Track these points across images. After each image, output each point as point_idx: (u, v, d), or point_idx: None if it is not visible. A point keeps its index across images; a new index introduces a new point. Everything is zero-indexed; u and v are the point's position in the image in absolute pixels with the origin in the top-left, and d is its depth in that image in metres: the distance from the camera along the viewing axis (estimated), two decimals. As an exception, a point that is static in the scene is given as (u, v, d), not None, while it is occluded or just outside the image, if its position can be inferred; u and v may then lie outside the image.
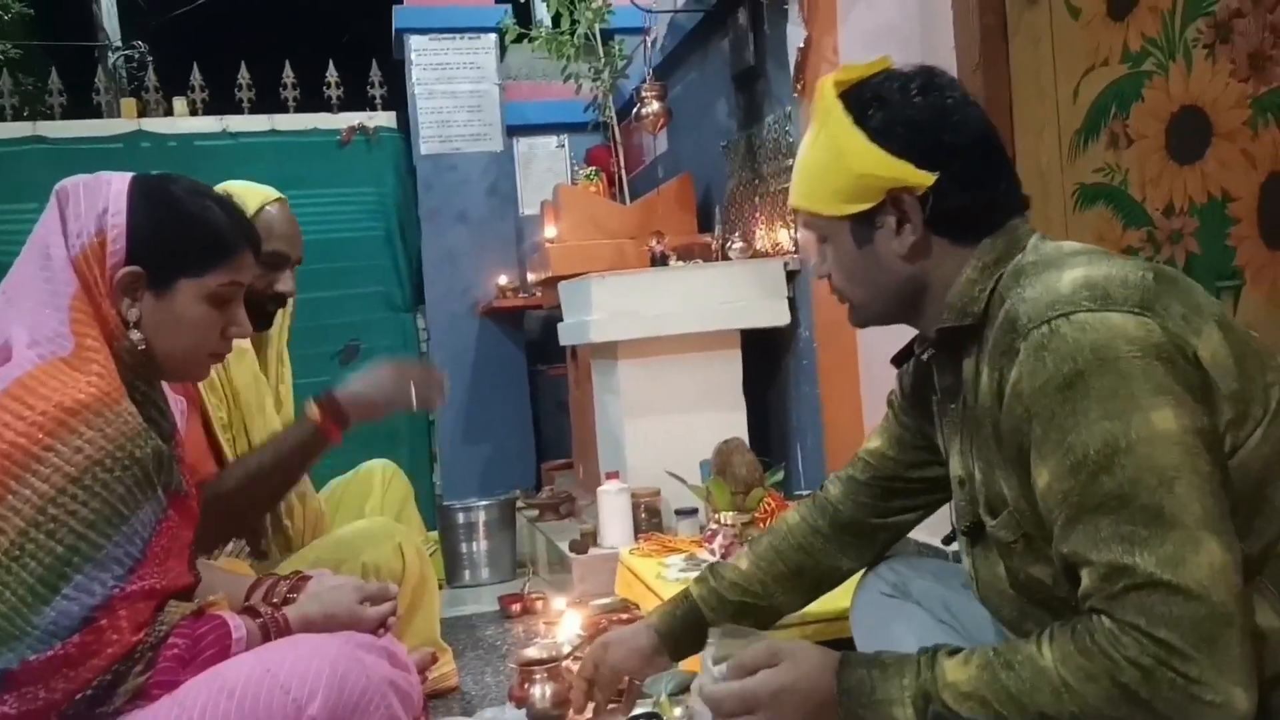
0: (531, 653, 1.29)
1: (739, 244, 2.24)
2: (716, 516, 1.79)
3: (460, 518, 2.29)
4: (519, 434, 3.23)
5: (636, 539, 1.95)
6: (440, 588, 1.76)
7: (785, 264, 2.12)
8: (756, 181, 2.30)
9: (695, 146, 2.71)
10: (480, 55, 3.26)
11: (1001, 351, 0.66)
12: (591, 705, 0.96)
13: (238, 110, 3.15)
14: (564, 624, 1.63)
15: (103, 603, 0.72)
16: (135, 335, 0.82)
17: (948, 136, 0.71)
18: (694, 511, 1.92)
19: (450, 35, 3.24)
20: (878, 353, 1.81)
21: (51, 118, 3.08)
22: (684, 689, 1.35)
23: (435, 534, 2.27)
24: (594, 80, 2.69)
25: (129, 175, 0.85)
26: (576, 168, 3.35)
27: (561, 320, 2.36)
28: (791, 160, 2.09)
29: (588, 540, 2.01)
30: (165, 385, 0.89)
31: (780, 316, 2.10)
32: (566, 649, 1.30)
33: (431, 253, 3.23)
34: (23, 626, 0.70)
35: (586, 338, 2.13)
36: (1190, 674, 0.57)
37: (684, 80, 2.78)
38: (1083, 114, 1.33)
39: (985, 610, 0.88)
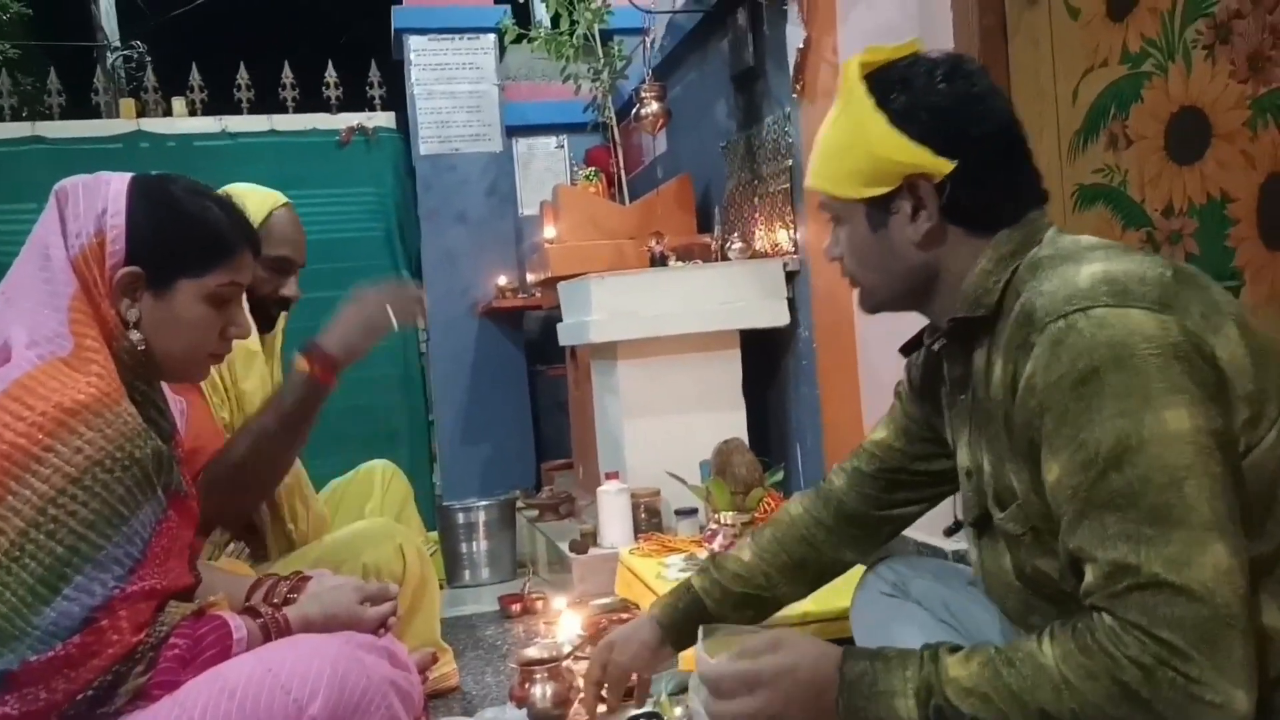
0: (532, 653, 1.29)
1: (738, 244, 2.24)
2: (716, 516, 1.79)
3: (460, 518, 2.29)
4: (519, 434, 3.23)
5: (636, 539, 1.95)
6: (440, 588, 1.76)
7: (784, 264, 2.12)
8: (756, 182, 2.30)
9: (694, 147, 2.71)
10: (479, 55, 3.26)
11: (1016, 345, 0.65)
12: (604, 706, 0.96)
13: (237, 110, 3.14)
14: (564, 624, 1.63)
15: (103, 603, 0.72)
16: (135, 335, 0.82)
17: (970, 125, 0.71)
18: (694, 511, 1.92)
19: (449, 36, 3.24)
20: (877, 353, 1.81)
21: (50, 118, 3.07)
22: (684, 689, 1.35)
23: (435, 534, 2.27)
24: (593, 81, 2.69)
25: (128, 175, 0.85)
26: (576, 168, 3.35)
27: (561, 320, 2.36)
28: (791, 161, 2.11)
29: (588, 540, 2.01)
30: (165, 386, 0.89)
31: (779, 317, 2.10)
32: (567, 649, 1.30)
33: (431, 253, 3.23)
34: (23, 627, 0.70)
35: (586, 338, 2.13)
36: (1191, 674, 0.57)
37: (683, 81, 2.78)
38: (1082, 115, 1.33)
39: (985, 610, 0.88)
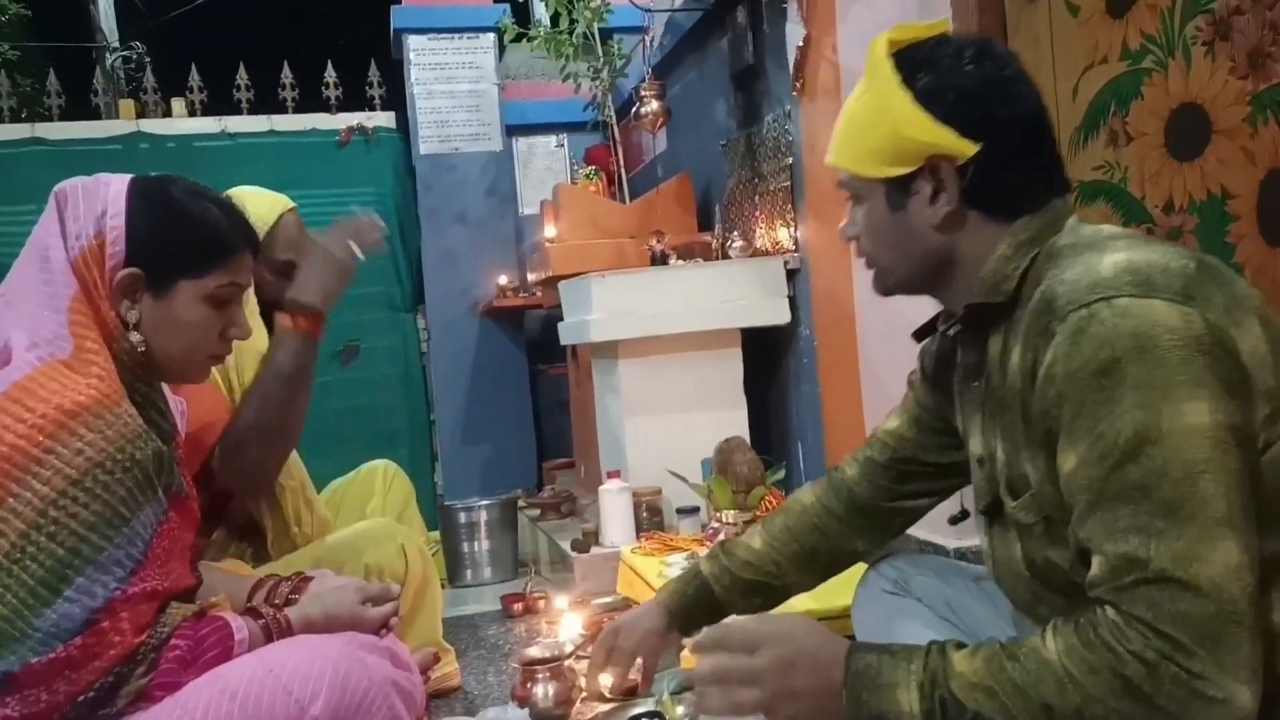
0: (534, 652, 1.29)
1: (739, 243, 2.24)
2: (718, 515, 1.79)
3: (462, 517, 2.29)
4: (520, 433, 3.23)
5: (638, 538, 1.95)
6: (442, 587, 1.76)
7: (785, 263, 2.12)
8: (756, 180, 2.30)
9: (695, 145, 2.71)
10: (479, 55, 3.26)
11: (1036, 333, 0.64)
12: (608, 690, 0.95)
13: (236, 111, 3.14)
14: (566, 623, 1.63)
15: (104, 605, 0.72)
16: (135, 337, 0.82)
17: (995, 108, 0.69)
18: (695, 510, 1.92)
19: (449, 35, 3.24)
20: (878, 351, 1.81)
21: (50, 119, 3.08)
22: (686, 688, 1.35)
23: (437, 534, 2.27)
24: (593, 79, 2.69)
25: (127, 177, 0.85)
26: (576, 167, 3.35)
27: (562, 320, 2.36)
28: (791, 159, 2.11)
29: (589, 539, 2.01)
30: (165, 387, 0.89)
31: (780, 315, 2.10)
32: (569, 648, 1.31)
33: (431, 253, 3.23)
34: (24, 629, 0.70)
35: (587, 337, 2.13)
36: (1193, 669, 0.57)
37: (683, 79, 2.78)
38: (1082, 112, 1.33)
39: (987, 608, 0.88)
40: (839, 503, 0.93)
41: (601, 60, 2.66)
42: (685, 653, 1.38)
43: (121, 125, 3.08)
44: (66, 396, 0.74)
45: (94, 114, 3.37)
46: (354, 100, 3.26)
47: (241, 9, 5.74)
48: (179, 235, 0.84)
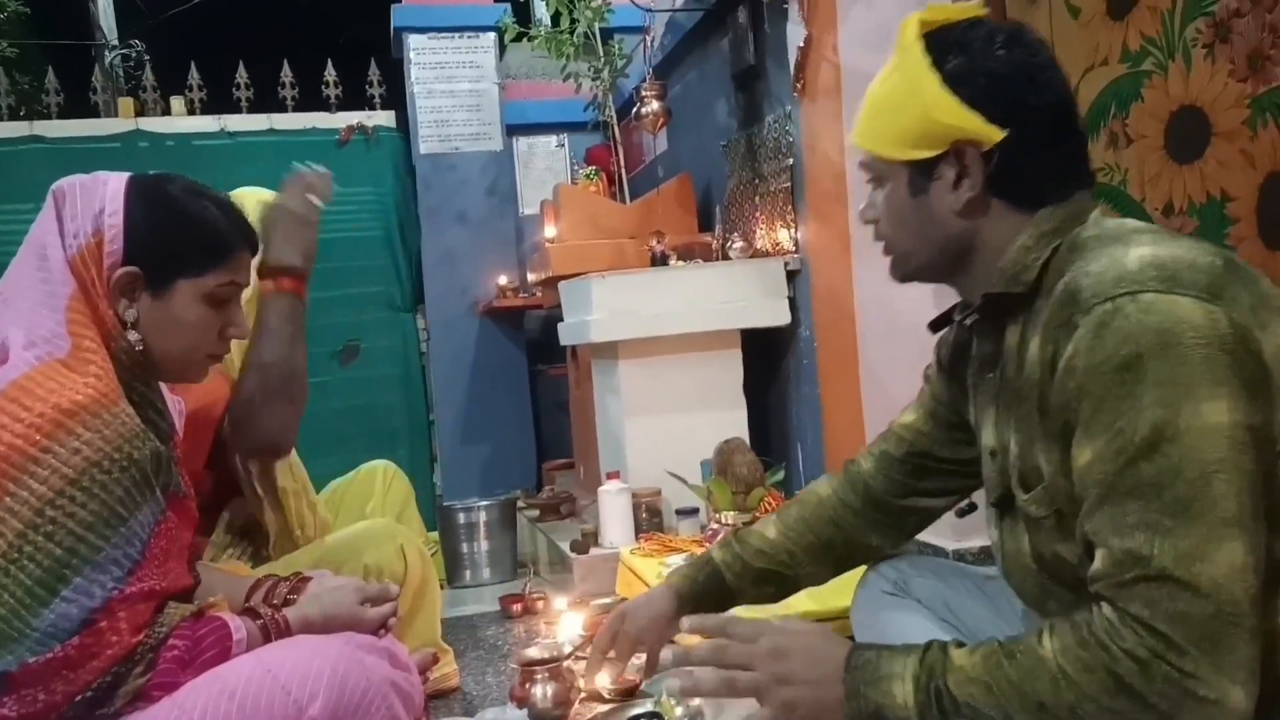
0: (533, 653, 1.29)
1: (739, 243, 2.24)
2: (717, 516, 1.79)
3: (461, 518, 2.29)
4: (519, 434, 3.23)
5: (637, 539, 1.94)
6: (441, 588, 1.76)
7: (785, 263, 2.11)
8: (757, 181, 2.30)
9: (695, 146, 2.71)
10: (479, 54, 3.26)
11: (1058, 324, 0.64)
12: (608, 681, 0.93)
13: (236, 110, 3.14)
14: (565, 624, 1.63)
15: (102, 604, 0.72)
16: (133, 336, 0.82)
17: (1025, 95, 0.68)
18: (695, 511, 1.92)
19: (449, 34, 3.24)
20: (878, 352, 1.81)
21: (48, 117, 3.07)
22: (678, 665, 1.35)
23: (436, 534, 2.27)
24: (593, 79, 2.69)
25: (126, 175, 0.85)
26: (576, 167, 3.35)
27: (562, 320, 2.36)
28: (791, 160, 2.11)
29: (588, 540, 2.01)
30: (163, 386, 0.89)
31: (780, 316, 2.10)
32: (567, 649, 1.30)
33: (431, 252, 3.23)
34: (21, 629, 0.70)
35: (587, 337, 2.13)
36: (1185, 669, 0.57)
37: (684, 79, 2.78)
38: (1082, 113, 1.33)
39: (986, 609, 0.88)
40: (855, 496, 0.92)
41: (602, 60, 2.65)
42: (681, 633, 1.38)
43: (120, 123, 3.08)
44: (64, 396, 0.74)
45: (93, 112, 3.36)
46: (354, 99, 3.26)
47: (241, 7, 5.74)
48: (177, 234, 0.83)
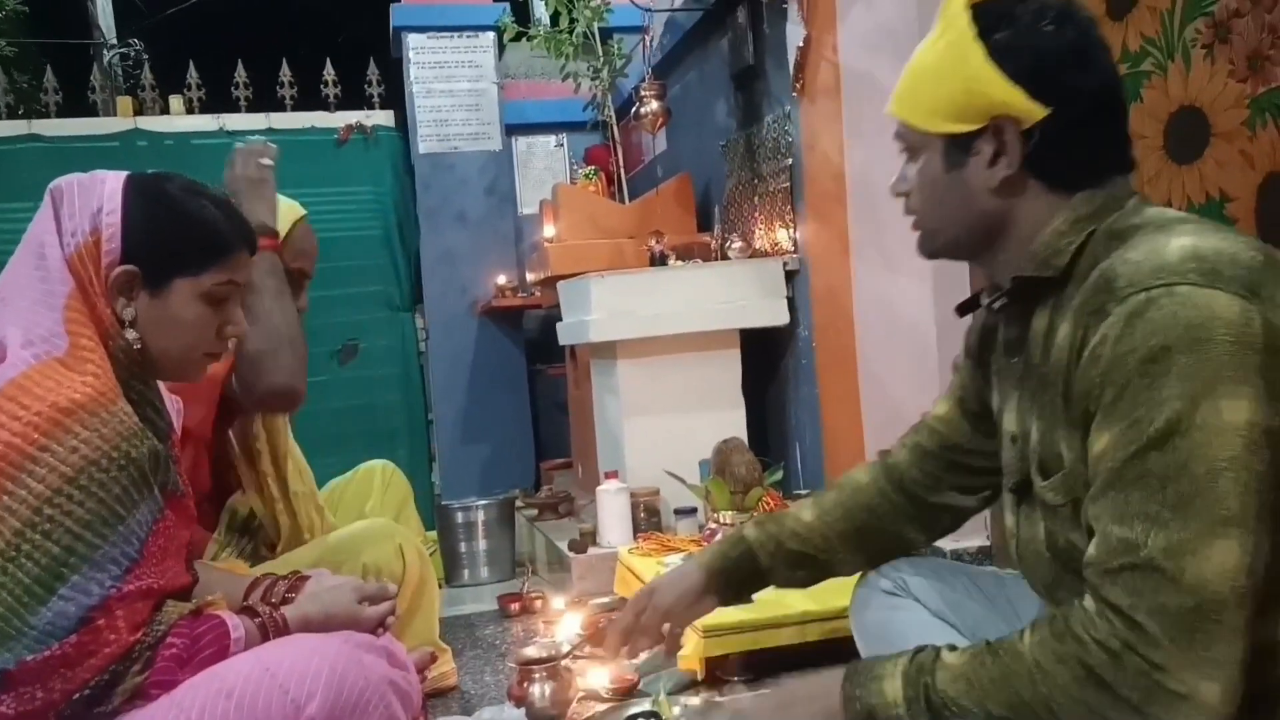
0: (530, 652, 1.29)
1: (738, 244, 2.24)
2: (716, 516, 1.79)
3: (459, 517, 2.29)
4: (518, 433, 3.23)
5: (635, 538, 1.94)
6: (439, 587, 1.75)
7: (784, 264, 2.12)
8: (756, 181, 2.30)
9: (694, 146, 2.71)
10: (478, 54, 3.25)
11: (1090, 310, 0.63)
12: (625, 650, 0.91)
13: (234, 109, 3.14)
14: (563, 623, 1.63)
15: (100, 603, 0.72)
16: (131, 335, 0.81)
17: (1071, 73, 0.67)
18: (693, 511, 1.92)
19: (448, 33, 3.24)
20: (876, 353, 1.81)
21: (47, 116, 3.07)
22: (683, 688, 1.35)
23: (434, 534, 2.27)
24: (593, 79, 2.69)
25: (124, 174, 0.84)
26: (575, 167, 3.35)
27: (560, 320, 2.36)
28: (790, 160, 2.11)
29: (587, 540, 2.01)
30: (160, 385, 0.89)
31: (779, 316, 2.10)
32: (565, 648, 1.30)
33: (430, 252, 3.23)
34: (20, 627, 0.70)
35: (585, 337, 2.13)
36: (1156, 660, 0.56)
37: (683, 79, 2.78)
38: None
39: (984, 608, 0.88)
40: (891, 486, 0.90)
41: (601, 60, 2.65)
42: (683, 652, 1.39)
43: (119, 122, 3.07)
44: (62, 394, 0.74)
45: (91, 111, 3.35)
46: (353, 99, 3.25)
47: (240, 7, 5.73)
48: (175, 232, 0.83)
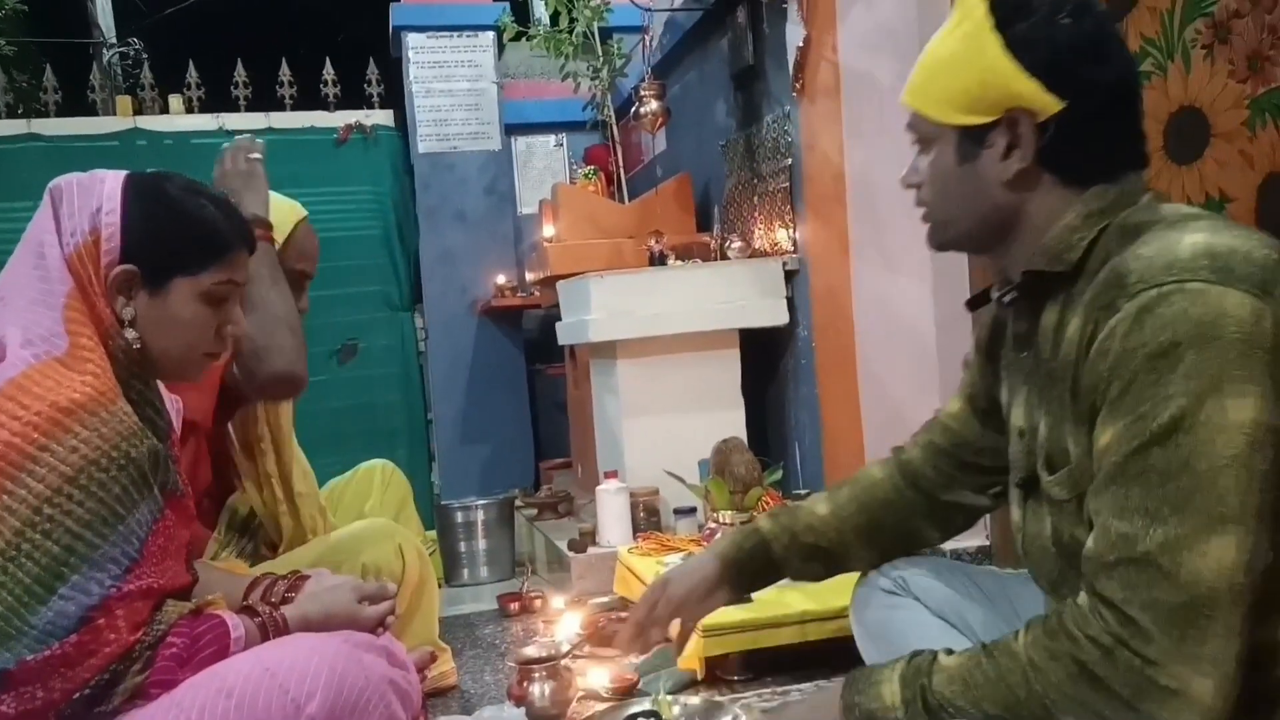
0: (530, 651, 1.29)
1: (737, 243, 2.24)
2: (715, 516, 1.79)
3: (459, 517, 2.29)
4: (517, 433, 3.23)
5: (635, 538, 1.94)
6: (439, 587, 1.76)
7: (784, 264, 2.12)
8: (755, 181, 2.30)
9: (694, 146, 2.71)
10: (478, 53, 3.25)
11: (1100, 306, 0.62)
12: (639, 644, 0.90)
13: (234, 108, 3.13)
14: (562, 623, 1.63)
15: (100, 602, 0.72)
16: (130, 334, 0.81)
17: (1088, 67, 0.66)
18: (693, 510, 1.92)
19: (448, 33, 3.24)
20: (876, 353, 1.81)
21: (46, 115, 3.06)
22: (683, 687, 1.35)
23: (434, 533, 2.27)
24: (592, 79, 2.69)
25: (123, 173, 0.84)
26: (575, 167, 3.35)
27: (560, 320, 2.36)
28: (790, 160, 2.11)
29: (586, 539, 2.01)
30: (160, 384, 0.89)
31: (779, 316, 2.10)
32: (565, 648, 1.31)
33: (429, 252, 3.23)
34: (20, 626, 0.70)
35: (585, 337, 2.13)
36: (1148, 655, 0.57)
37: (683, 79, 2.78)
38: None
39: (984, 608, 0.88)
40: (905, 482, 0.89)
41: (601, 60, 2.65)
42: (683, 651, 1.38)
43: (118, 122, 3.07)
44: (61, 394, 0.74)
45: (91, 110, 3.34)
46: (352, 98, 3.25)
47: (240, 6, 5.73)
48: (175, 232, 0.83)
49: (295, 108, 3.17)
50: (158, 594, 0.76)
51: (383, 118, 3.25)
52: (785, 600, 1.43)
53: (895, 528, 0.90)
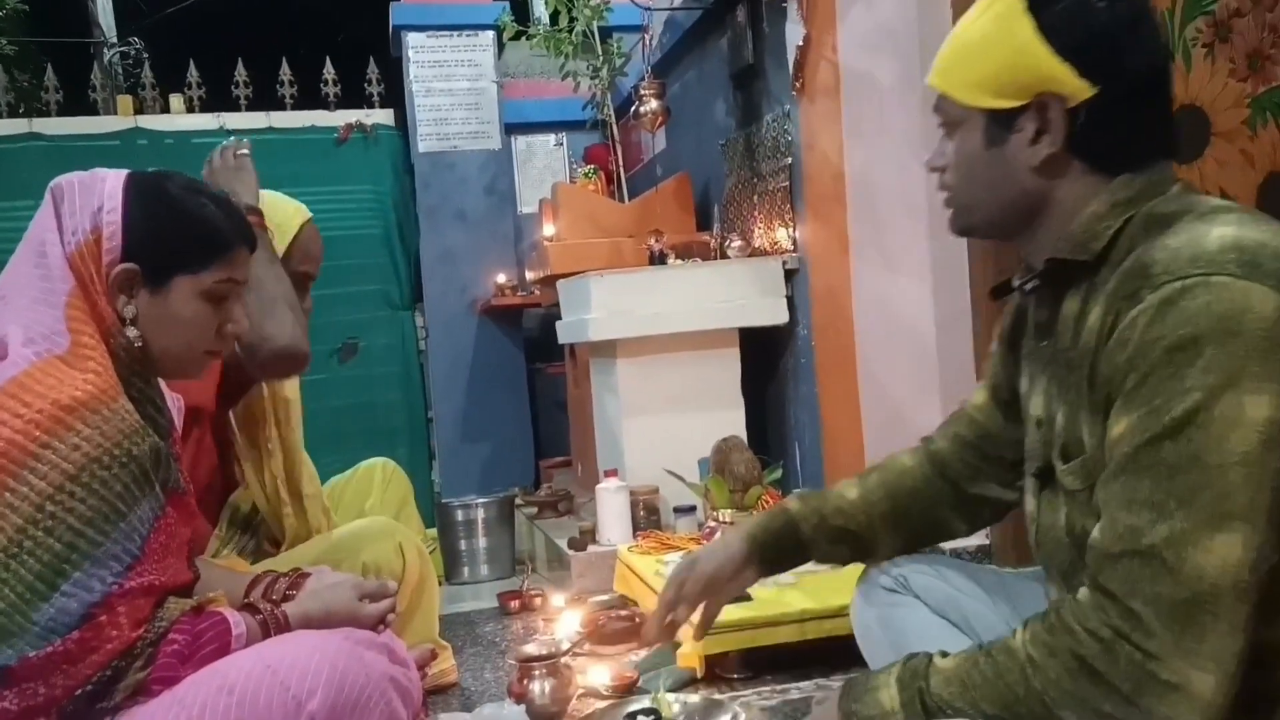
0: (530, 649, 1.30)
1: (737, 243, 2.24)
2: (715, 514, 1.79)
3: (459, 515, 2.29)
4: (518, 432, 3.23)
5: (635, 536, 1.95)
6: (439, 585, 1.76)
7: (784, 263, 2.12)
8: (755, 180, 2.30)
9: (694, 145, 2.71)
10: (478, 52, 3.25)
11: (1123, 295, 0.62)
12: (668, 629, 0.88)
13: (235, 107, 3.14)
14: (562, 621, 1.63)
15: (101, 599, 0.72)
16: (131, 332, 0.82)
17: (1122, 52, 0.65)
18: (692, 509, 1.92)
19: (448, 32, 3.24)
20: (876, 352, 1.81)
21: (47, 114, 3.07)
22: (682, 685, 1.36)
23: (434, 531, 2.27)
24: (592, 78, 2.69)
25: (124, 172, 0.85)
26: (575, 166, 3.35)
27: (560, 319, 2.36)
28: (790, 159, 2.12)
29: (586, 538, 2.01)
30: (161, 383, 0.89)
31: (778, 315, 2.11)
32: (565, 645, 1.31)
33: (430, 251, 3.23)
34: (22, 623, 0.70)
35: (585, 336, 2.13)
36: (1149, 648, 0.56)
37: (682, 78, 2.78)
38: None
39: (986, 606, 0.88)
40: (934, 472, 0.88)
41: (601, 59, 2.65)
42: (682, 649, 1.39)
43: (119, 121, 3.07)
44: (63, 392, 0.74)
45: (92, 110, 3.35)
46: (353, 97, 3.25)
47: (240, 6, 5.73)
48: (176, 230, 0.83)
49: (296, 107, 3.17)
50: (159, 591, 0.76)
51: (383, 117, 3.26)
52: (785, 599, 1.43)
53: (922, 516, 0.89)
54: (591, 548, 1.98)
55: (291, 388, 1.26)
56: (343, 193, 3.15)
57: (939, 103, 0.73)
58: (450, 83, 3.24)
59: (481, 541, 2.29)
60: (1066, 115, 0.66)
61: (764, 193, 2.25)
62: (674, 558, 1.68)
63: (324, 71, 3.19)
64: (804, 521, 0.90)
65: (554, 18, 2.69)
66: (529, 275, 2.87)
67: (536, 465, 3.16)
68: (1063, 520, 0.70)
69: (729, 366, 2.12)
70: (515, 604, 1.93)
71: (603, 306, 2.07)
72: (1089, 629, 0.58)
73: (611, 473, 2.03)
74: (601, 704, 1.22)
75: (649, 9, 2.52)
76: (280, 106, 3.16)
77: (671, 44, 2.68)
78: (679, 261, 2.22)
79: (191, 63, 3.16)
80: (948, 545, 1.55)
